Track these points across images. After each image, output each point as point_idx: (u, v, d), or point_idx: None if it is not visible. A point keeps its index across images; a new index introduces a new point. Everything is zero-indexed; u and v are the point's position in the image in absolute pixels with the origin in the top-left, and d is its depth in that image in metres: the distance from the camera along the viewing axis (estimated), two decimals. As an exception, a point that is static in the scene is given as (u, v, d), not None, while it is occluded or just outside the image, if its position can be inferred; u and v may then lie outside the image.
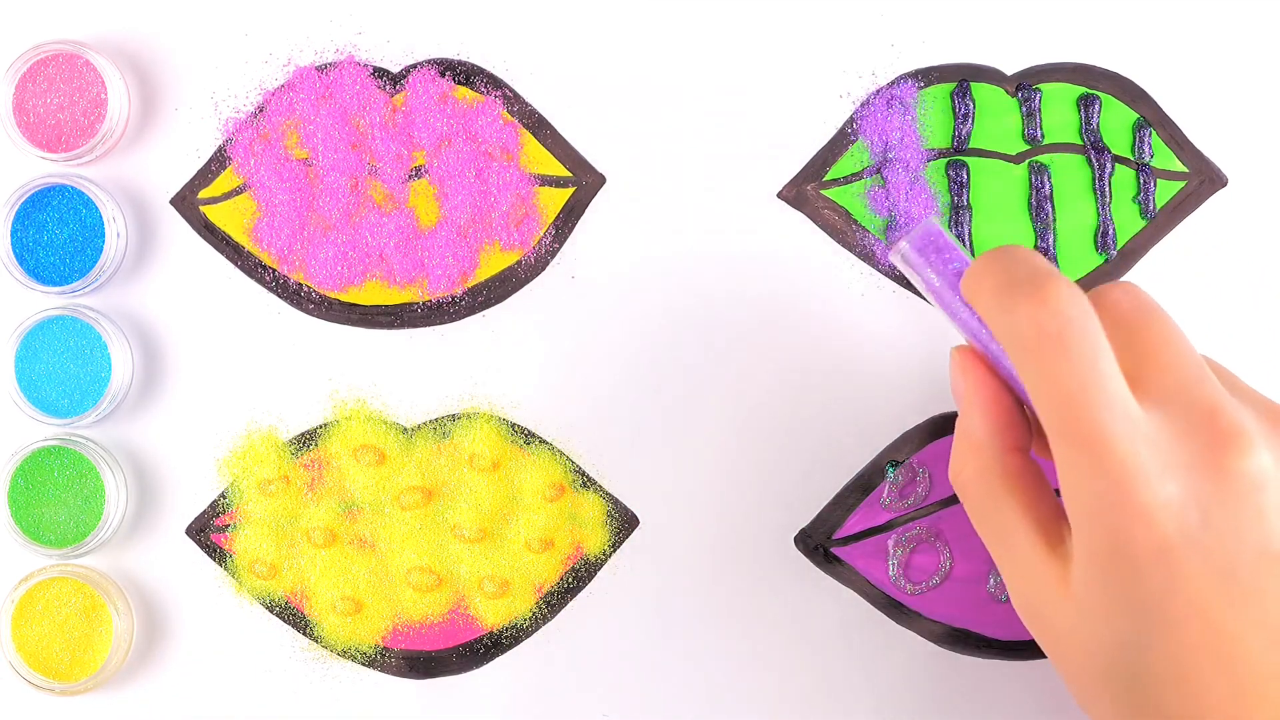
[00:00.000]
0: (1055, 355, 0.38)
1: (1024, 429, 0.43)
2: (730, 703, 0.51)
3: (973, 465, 0.42)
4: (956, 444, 0.43)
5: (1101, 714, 0.41)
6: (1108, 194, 0.52)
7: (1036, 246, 0.52)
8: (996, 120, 0.52)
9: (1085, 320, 0.38)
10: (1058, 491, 0.41)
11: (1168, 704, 0.39)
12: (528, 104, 0.52)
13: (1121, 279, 0.52)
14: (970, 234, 0.52)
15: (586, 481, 0.52)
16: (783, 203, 0.52)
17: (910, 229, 0.44)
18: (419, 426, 0.52)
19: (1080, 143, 0.52)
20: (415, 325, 0.52)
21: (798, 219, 0.52)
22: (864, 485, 0.52)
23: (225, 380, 0.52)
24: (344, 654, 0.52)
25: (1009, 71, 0.52)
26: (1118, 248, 0.52)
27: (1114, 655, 0.39)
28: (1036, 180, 0.52)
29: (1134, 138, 0.52)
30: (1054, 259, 0.52)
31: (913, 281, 0.44)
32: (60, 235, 0.51)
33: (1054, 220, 0.52)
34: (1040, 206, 0.52)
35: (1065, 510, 0.40)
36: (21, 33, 0.52)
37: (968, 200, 0.52)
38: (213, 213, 0.52)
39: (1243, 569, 0.38)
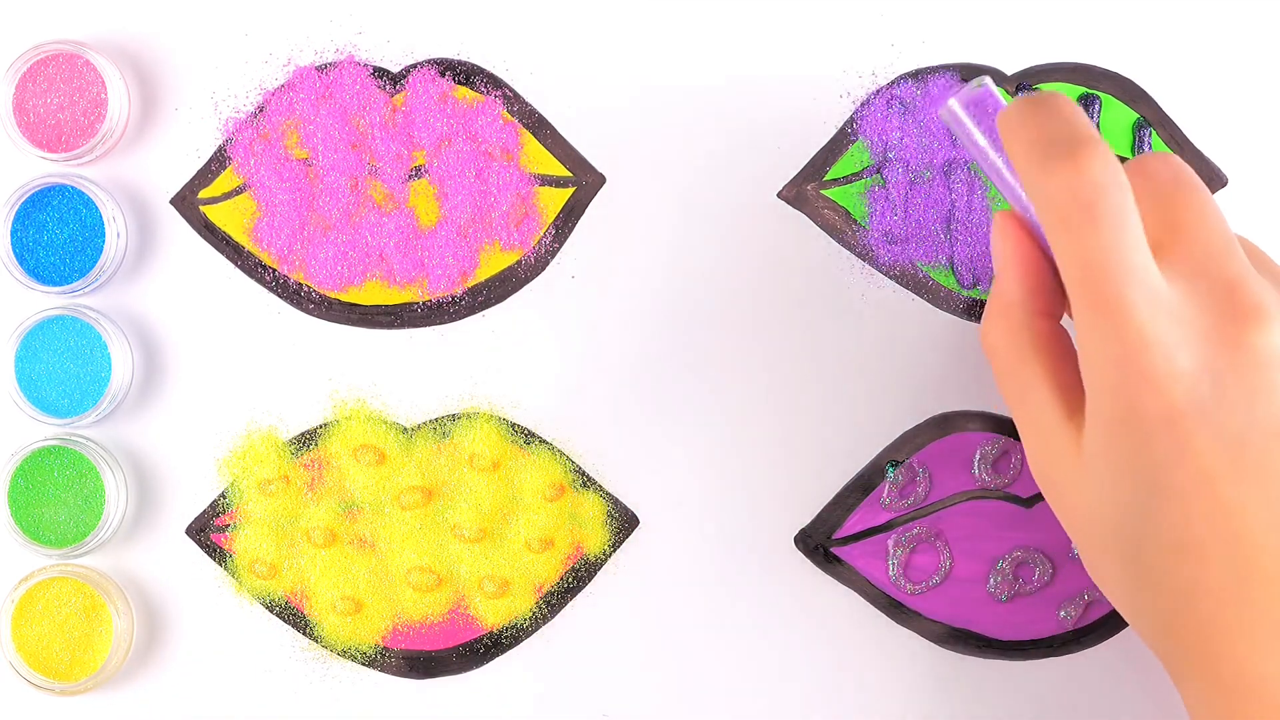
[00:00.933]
0: (1084, 222, 0.38)
1: (1057, 296, 0.43)
2: (730, 703, 0.51)
3: (1002, 326, 0.43)
4: (990, 305, 0.44)
5: (1106, 579, 0.42)
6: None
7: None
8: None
9: (1117, 189, 0.39)
10: None
11: (1169, 571, 0.39)
12: (528, 104, 0.52)
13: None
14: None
15: (586, 481, 0.52)
16: (783, 203, 0.52)
17: (963, 87, 0.44)
18: (419, 426, 0.52)
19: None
20: (415, 325, 0.52)
21: (798, 219, 0.52)
22: (864, 485, 0.52)
23: (225, 380, 0.52)
24: (344, 654, 0.52)
25: (1009, 71, 0.52)
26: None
27: (1119, 521, 0.40)
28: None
29: (1134, 138, 0.52)
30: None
31: (957, 138, 0.44)
32: (60, 235, 0.51)
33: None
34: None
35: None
36: (21, 33, 0.52)
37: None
38: (213, 213, 0.52)
39: (1252, 444, 0.39)
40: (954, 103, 0.44)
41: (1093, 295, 0.39)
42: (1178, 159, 0.42)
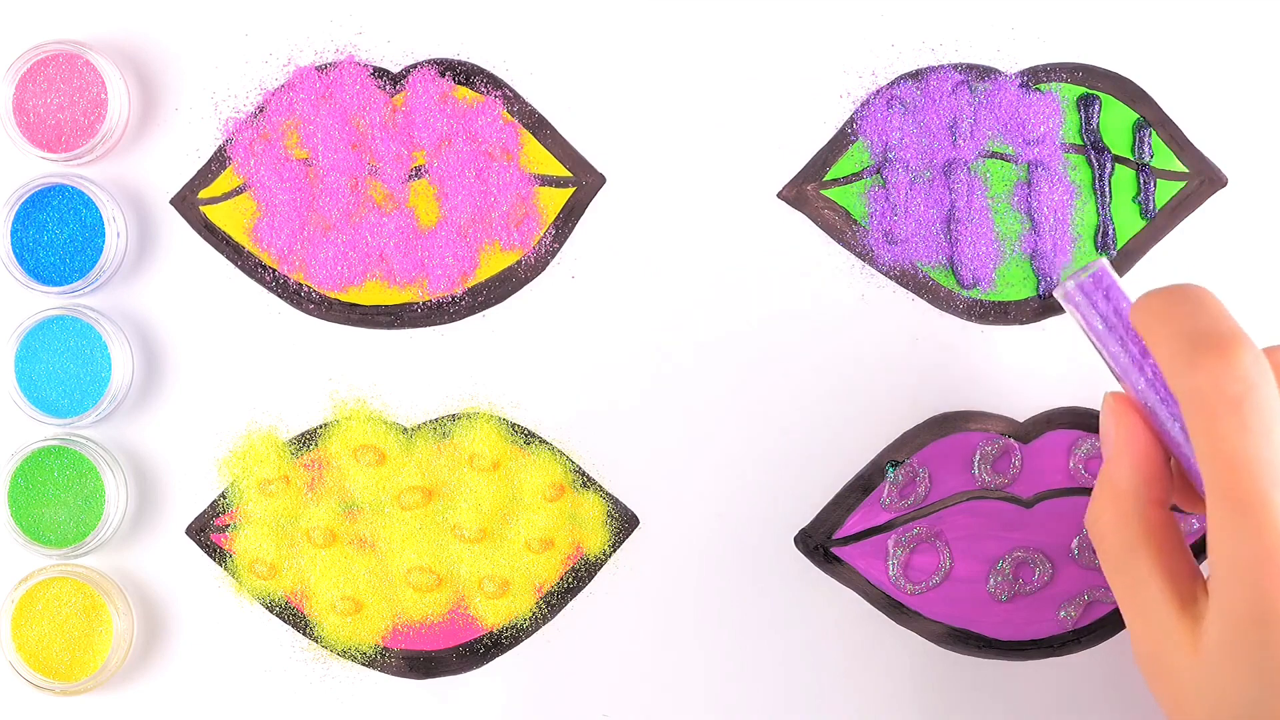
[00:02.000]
0: (1232, 418, 0.38)
1: (1168, 483, 0.43)
2: (730, 703, 0.51)
3: (1112, 513, 0.43)
4: (1099, 490, 0.43)
5: None
6: (1108, 194, 0.52)
7: (1035, 245, 0.52)
8: (996, 120, 0.52)
9: (1266, 387, 0.39)
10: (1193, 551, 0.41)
11: None
12: (528, 104, 0.52)
13: (1123, 277, 0.52)
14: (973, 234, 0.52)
15: (586, 481, 0.52)
16: (783, 203, 0.52)
17: (1076, 269, 0.43)
18: (419, 426, 0.52)
19: (1080, 143, 0.52)
20: (415, 325, 0.52)
21: (798, 219, 0.52)
22: (864, 485, 0.52)
23: (225, 380, 0.52)
24: (344, 654, 0.52)
25: (1009, 71, 0.52)
26: (1118, 248, 0.52)
27: (1238, 717, 0.39)
28: (1035, 180, 0.52)
29: (1134, 138, 0.52)
30: (1052, 259, 0.52)
31: (1075, 320, 0.44)
32: (60, 235, 0.51)
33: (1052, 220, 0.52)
34: (1038, 206, 0.52)
35: (1201, 571, 0.40)
36: (21, 33, 0.52)
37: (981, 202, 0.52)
38: (213, 213, 0.52)
39: None
40: (1071, 285, 0.43)
41: (1234, 493, 0.38)
42: None
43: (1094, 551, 0.51)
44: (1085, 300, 0.43)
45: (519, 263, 0.52)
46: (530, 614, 0.52)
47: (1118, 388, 0.46)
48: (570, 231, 0.52)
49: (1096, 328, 0.43)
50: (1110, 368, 0.44)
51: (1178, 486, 0.43)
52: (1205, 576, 0.41)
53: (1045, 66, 0.52)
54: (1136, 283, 0.52)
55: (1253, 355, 0.39)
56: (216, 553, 0.52)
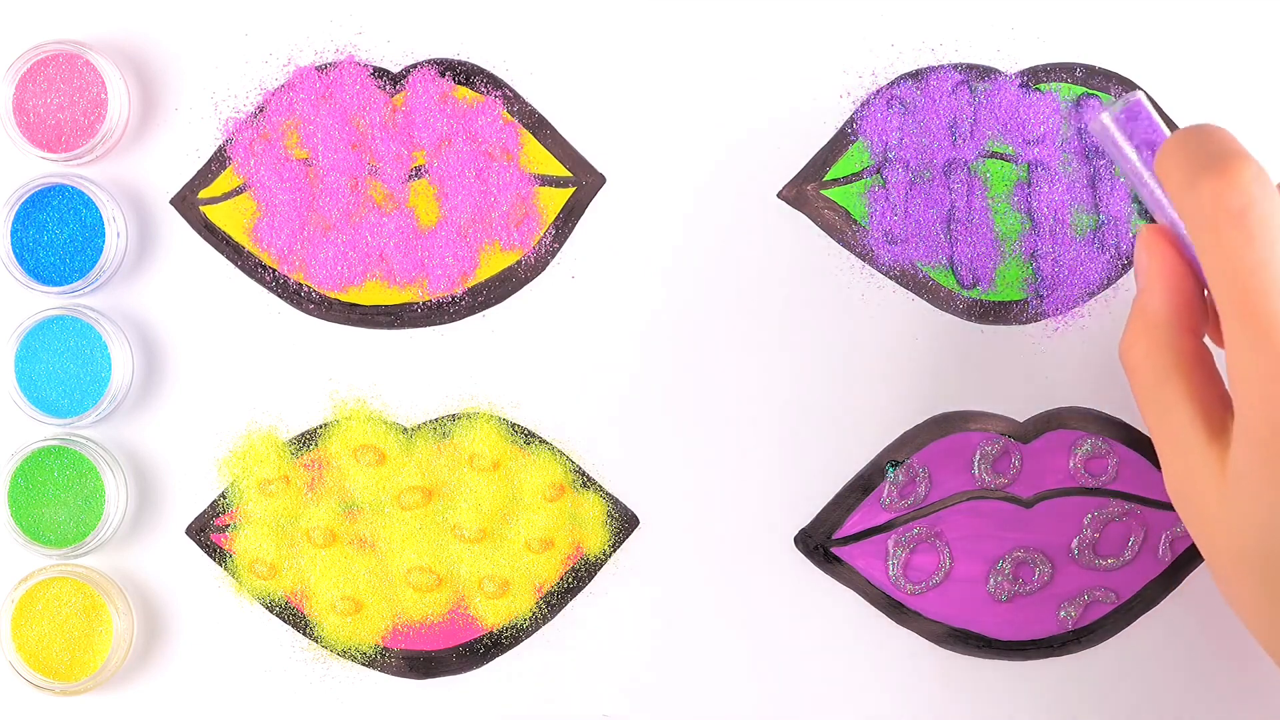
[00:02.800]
0: (1235, 232, 0.38)
1: (1202, 313, 0.42)
2: (730, 702, 0.51)
3: (1145, 342, 0.42)
4: (1132, 321, 0.43)
5: (1243, 598, 0.41)
6: (1108, 194, 0.52)
7: (1035, 245, 0.52)
8: (996, 120, 0.52)
9: (1268, 200, 0.38)
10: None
11: None
12: (528, 104, 0.52)
13: (1119, 280, 0.52)
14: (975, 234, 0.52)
15: (586, 481, 0.52)
16: (783, 203, 0.52)
17: (1114, 101, 0.43)
18: (419, 426, 0.52)
19: (1081, 143, 0.52)
20: (415, 325, 0.52)
21: (798, 219, 0.52)
22: (864, 485, 0.52)
23: (225, 380, 0.52)
24: (344, 654, 0.52)
25: (1009, 71, 0.52)
26: (1118, 248, 0.52)
27: (1262, 540, 0.39)
28: (1035, 180, 0.52)
29: (1134, 138, 0.52)
30: (1052, 259, 0.52)
31: (1107, 152, 0.44)
32: (60, 235, 0.51)
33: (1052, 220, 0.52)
34: (1038, 206, 0.52)
35: (1230, 397, 0.40)
36: (21, 33, 0.52)
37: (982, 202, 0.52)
38: (213, 213, 0.52)
39: None
40: (1106, 115, 0.43)
41: (1245, 306, 0.38)
42: None
43: (1095, 551, 0.51)
44: (1121, 133, 0.43)
45: (519, 263, 0.52)
46: (530, 614, 0.52)
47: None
48: (570, 231, 0.52)
49: (1129, 158, 0.43)
50: (1145, 203, 0.43)
51: (1211, 319, 0.43)
52: None
53: (1045, 66, 0.52)
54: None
55: (1254, 170, 0.39)
56: (216, 553, 0.52)
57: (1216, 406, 0.41)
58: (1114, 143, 0.43)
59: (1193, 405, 0.41)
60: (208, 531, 0.52)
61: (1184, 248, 0.42)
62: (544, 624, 0.52)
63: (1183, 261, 0.42)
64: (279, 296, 0.52)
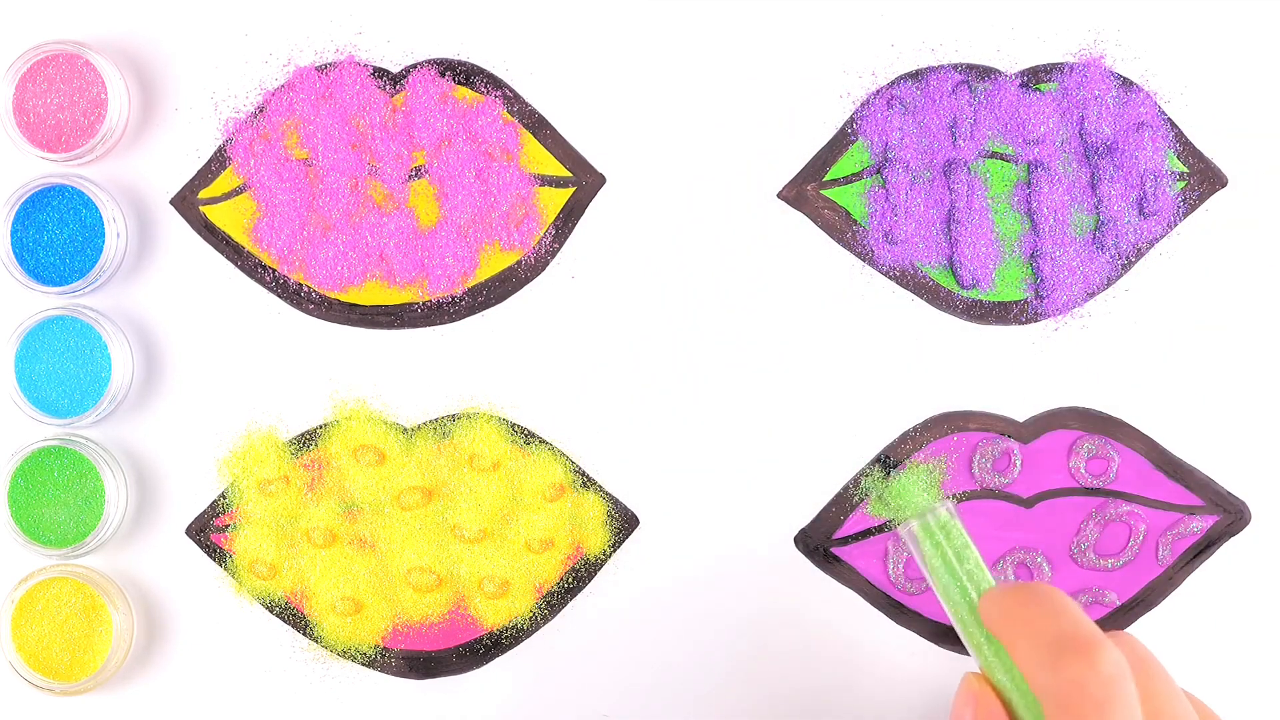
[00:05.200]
0: (1094, 718, 0.39)
1: None
2: (730, 702, 0.51)
3: None
4: None
5: None
6: (1107, 194, 0.52)
7: (1035, 246, 0.52)
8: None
9: (1128, 687, 0.39)
10: None
11: None
12: (528, 104, 0.52)
13: (1120, 280, 0.52)
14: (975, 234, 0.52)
15: (586, 481, 0.52)
16: (783, 203, 0.52)
17: (919, 517, 0.44)
18: (419, 426, 0.52)
19: (1081, 142, 0.52)
20: (415, 325, 0.52)
21: (798, 219, 0.52)
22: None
23: (225, 380, 0.52)
24: (344, 654, 0.52)
25: (1009, 71, 0.52)
26: (1118, 248, 0.52)
27: None
28: (1035, 180, 0.52)
29: (1134, 138, 0.52)
30: (1052, 259, 0.52)
31: (914, 557, 0.45)
32: (60, 235, 0.51)
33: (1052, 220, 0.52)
34: (1038, 206, 0.52)
35: None
36: (21, 33, 0.52)
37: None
38: (213, 213, 0.52)
39: None
40: (915, 525, 0.44)
41: None
42: (1135, 639, 0.42)
43: (1095, 551, 0.51)
44: (922, 544, 0.44)
45: (519, 263, 0.52)
46: (530, 614, 0.52)
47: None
48: (570, 231, 0.52)
49: (950, 598, 0.44)
50: (956, 627, 0.44)
51: None
52: None
53: (1045, 66, 0.52)
54: (1138, 281, 0.52)
55: (1114, 656, 0.40)
56: (216, 553, 0.52)
57: None
58: (925, 558, 0.44)
59: None
60: (208, 531, 0.52)
61: (1004, 698, 0.43)
62: (544, 624, 0.52)
63: (1003, 713, 0.42)
64: (279, 296, 0.52)
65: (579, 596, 0.52)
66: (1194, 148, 0.52)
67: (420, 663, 0.52)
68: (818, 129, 0.52)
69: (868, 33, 0.52)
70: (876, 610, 0.52)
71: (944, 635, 0.52)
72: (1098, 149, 0.52)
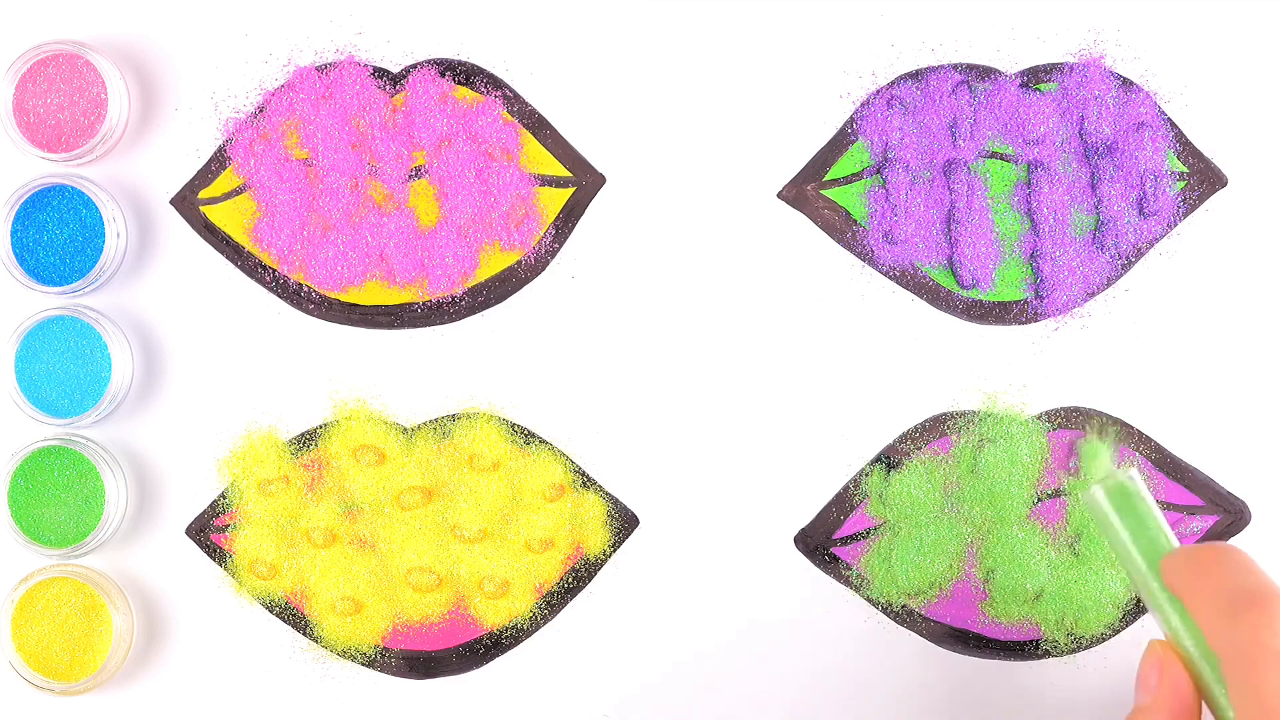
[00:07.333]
0: (1274, 672, 0.39)
1: None
2: (730, 702, 0.51)
3: None
4: None
5: None
6: (1107, 194, 0.52)
7: (1035, 246, 0.52)
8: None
9: None
10: None
11: None
12: (528, 104, 0.52)
13: (1120, 280, 0.52)
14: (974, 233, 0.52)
15: (586, 481, 0.52)
16: (783, 203, 0.52)
17: (1106, 476, 0.44)
18: (419, 426, 0.52)
19: (1081, 142, 0.52)
20: (415, 325, 0.52)
21: (798, 219, 0.52)
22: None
23: (225, 380, 0.52)
24: (344, 654, 0.52)
25: (1009, 71, 0.52)
26: (1118, 248, 0.52)
27: None
28: (1035, 180, 0.52)
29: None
30: (1052, 259, 0.52)
31: (1098, 523, 0.44)
32: (60, 235, 0.51)
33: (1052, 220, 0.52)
34: (1038, 206, 0.52)
35: None
36: (21, 33, 0.52)
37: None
38: (213, 213, 0.52)
39: None
40: (1098, 491, 0.43)
41: None
42: None
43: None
44: (1112, 509, 0.43)
45: (519, 263, 0.52)
46: (530, 614, 0.52)
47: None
48: (570, 231, 0.52)
49: (1135, 564, 0.43)
50: (1136, 590, 0.43)
51: None
52: None
53: (1045, 66, 0.52)
54: (1138, 281, 0.52)
55: None
56: (216, 553, 0.52)
57: None
58: (1105, 519, 0.43)
59: None
60: (208, 531, 0.52)
61: (1189, 665, 0.43)
62: (544, 624, 0.52)
63: (1190, 685, 0.42)
64: (279, 296, 0.52)
65: (579, 596, 0.52)
66: (1194, 148, 0.52)
67: (420, 663, 0.52)
68: (818, 129, 0.52)
69: (868, 33, 0.52)
70: (877, 610, 0.52)
71: (945, 636, 0.52)
72: (1098, 149, 0.52)
